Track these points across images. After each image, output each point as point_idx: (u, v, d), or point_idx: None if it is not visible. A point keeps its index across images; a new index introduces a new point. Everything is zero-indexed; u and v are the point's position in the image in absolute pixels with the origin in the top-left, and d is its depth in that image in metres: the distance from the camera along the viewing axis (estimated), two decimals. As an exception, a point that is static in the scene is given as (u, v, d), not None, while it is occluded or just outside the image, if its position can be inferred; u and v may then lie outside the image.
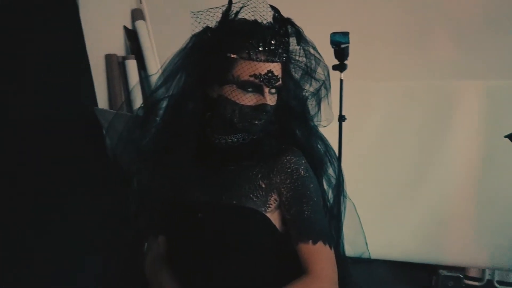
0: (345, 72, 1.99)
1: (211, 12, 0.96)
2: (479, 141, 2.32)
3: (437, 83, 2.40)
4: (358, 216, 1.14)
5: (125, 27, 2.87)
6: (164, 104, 1.02)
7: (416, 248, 2.50)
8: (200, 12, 0.96)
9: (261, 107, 0.95)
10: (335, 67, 1.98)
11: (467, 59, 2.47)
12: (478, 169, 2.35)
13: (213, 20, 0.97)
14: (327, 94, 1.09)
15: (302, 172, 0.99)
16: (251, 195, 0.98)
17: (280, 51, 0.94)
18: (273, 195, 0.99)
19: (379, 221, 2.52)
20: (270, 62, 0.93)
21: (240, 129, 0.98)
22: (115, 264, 1.11)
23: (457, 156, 2.38)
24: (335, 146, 2.00)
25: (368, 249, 1.17)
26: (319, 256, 0.97)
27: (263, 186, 0.98)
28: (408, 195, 2.48)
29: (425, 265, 2.55)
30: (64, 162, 1.90)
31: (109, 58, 2.69)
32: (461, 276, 2.43)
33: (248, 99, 0.94)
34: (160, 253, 1.10)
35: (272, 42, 0.93)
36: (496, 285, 2.51)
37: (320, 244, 0.97)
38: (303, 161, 1.00)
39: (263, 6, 0.97)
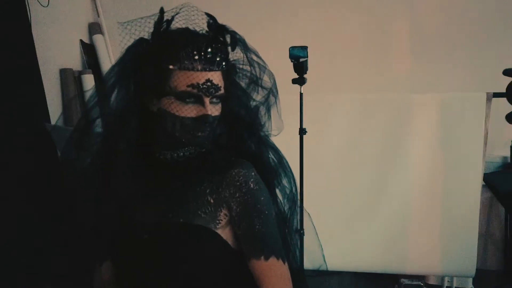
0: (305, 85, 2.01)
1: (139, 22, 0.93)
2: (436, 150, 2.39)
3: (395, 96, 2.46)
4: (314, 227, 1.13)
5: (81, 41, 2.79)
6: (102, 121, 0.98)
7: (378, 258, 2.51)
8: (127, 23, 0.93)
9: (202, 118, 0.91)
10: (294, 81, 1.99)
11: (424, 72, 2.58)
12: (436, 179, 2.41)
13: (146, 31, 0.93)
14: (275, 102, 1.06)
15: (251, 185, 0.95)
16: (199, 212, 0.94)
17: (218, 59, 0.91)
18: (223, 210, 0.95)
19: (341, 233, 2.54)
20: (208, 71, 0.90)
21: (183, 142, 0.95)
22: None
23: (415, 166, 2.43)
24: (296, 160, 2.03)
25: (325, 262, 1.15)
26: (272, 272, 0.94)
27: (212, 201, 0.95)
28: (369, 206, 2.50)
29: (388, 275, 2.59)
30: (14, 180, 1.80)
31: (64, 72, 2.60)
32: (422, 284, 2.47)
33: (188, 111, 0.91)
34: (107, 280, 1.04)
35: (209, 50, 0.90)
36: (455, 291, 2.58)
37: (272, 259, 0.94)
38: (253, 173, 0.97)
39: (197, 14, 0.94)
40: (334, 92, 2.54)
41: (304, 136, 2.05)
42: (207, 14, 0.95)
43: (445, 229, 2.43)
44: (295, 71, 1.97)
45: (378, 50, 2.58)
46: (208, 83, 0.90)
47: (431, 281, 2.65)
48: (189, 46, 0.88)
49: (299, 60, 1.93)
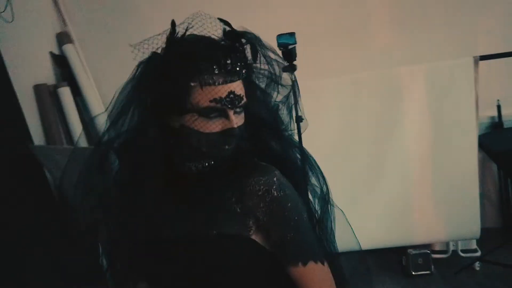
0: (295, 73, 1.97)
1: (152, 40, 0.86)
2: (431, 119, 2.41)
3: (384, 71, 2.46)
4: (350, 225, 1.09)
5: (51, 53, 2.65)
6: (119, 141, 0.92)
7: (384, 234, 2.55)
8: (139, 44, 0.86)
9: (228, 132, 0.87)
10: (285, 69, 1.93)
11: (407, 43, 2.57)
12: (433, 147, 2.44)
13: (159, 46, 0.86)
14: (297, 100, 1.03)
15: (275, 192, 0.90)
16: (229, 222, 0.90)
17: (238, 68, 0.86)
18: (251, 219, 0.91)
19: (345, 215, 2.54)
20: (229, 82, 0.85)
21: (210, 156, 0.90)
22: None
23: (412, 138, 2.45)
24: (296, 148, 2.00)
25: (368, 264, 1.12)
26: (313, 277, 0.91)
27: (239, 210, 0.90)
28: (370, 183, 2.52)
29: (395, 248, 2.62)
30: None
31: (38, 88, 2.46)
32: (429, 252, 2.51)
33: (213, 126, 0.86)
34: None
35: (228, 62, 0.84)
36: (461, 254, 2.64)
37: (311, 264, 0.91)
38: (275, 179, 0.91)
39: (211, 22, 0.89)
40: (323, 76, 2.51)
41: (300, 124, 2.02)
42: (222, 20, 0.89)
43: (447, 195, 2.47)
44: (285, 58, 1.92)
45: (357, 27, 2.56)
46: (231, 95, 0.85)
47: (437, 248, 2.70)
48: (207, 60, 0.83)
49: (287, 47, 1.88)
